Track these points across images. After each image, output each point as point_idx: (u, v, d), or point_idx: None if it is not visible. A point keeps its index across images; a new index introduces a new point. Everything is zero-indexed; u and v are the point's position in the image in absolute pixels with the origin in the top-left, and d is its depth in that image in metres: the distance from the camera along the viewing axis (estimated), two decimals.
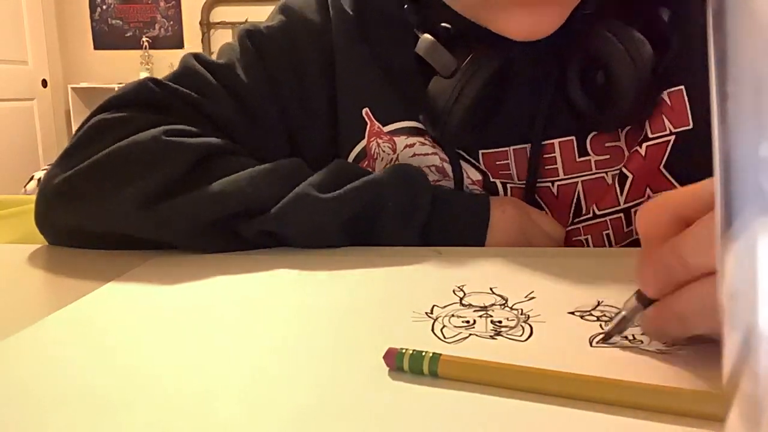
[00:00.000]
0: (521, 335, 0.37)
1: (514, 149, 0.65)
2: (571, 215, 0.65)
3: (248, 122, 0.68)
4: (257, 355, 0.36)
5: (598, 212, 0.64)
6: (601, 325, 0.38)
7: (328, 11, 0.70)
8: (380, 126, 0.68)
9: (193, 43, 5.30)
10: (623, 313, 0.36)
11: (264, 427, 0.28)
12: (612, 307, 0.41)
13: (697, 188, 0.34)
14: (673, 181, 0.62)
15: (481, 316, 0.40)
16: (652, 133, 0.62)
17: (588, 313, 0.40)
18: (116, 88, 3.11)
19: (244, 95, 0.68)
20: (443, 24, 0.64)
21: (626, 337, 0.36)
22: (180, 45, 5.35)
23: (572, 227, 0.65)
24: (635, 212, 0.63)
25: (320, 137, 0.70)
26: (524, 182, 0.65)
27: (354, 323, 0.40)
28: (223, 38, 5.26)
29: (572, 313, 0.40)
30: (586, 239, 0.65)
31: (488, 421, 0.28)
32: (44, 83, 5.04)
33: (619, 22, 0.60)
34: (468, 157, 0.66)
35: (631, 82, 0.58)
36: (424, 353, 0.32)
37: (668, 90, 0.62)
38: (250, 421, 0.29)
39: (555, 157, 0.65)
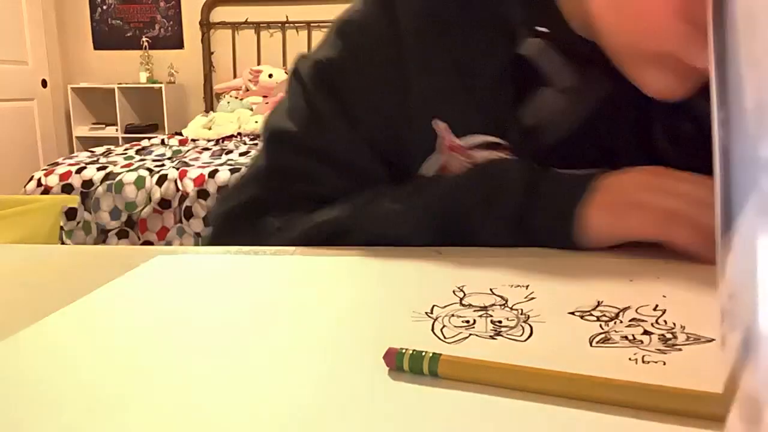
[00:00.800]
0: (521, 335, 0.37)
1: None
2: None
3: (352, 177, 0.65)
4: (257, 355, 0.36)
5: None
6: (600, 325, 0.38)
7: (394, 11, 0.65)
8: (458, 141, 0.62)
9: (193, 44, 5.30)
10: None
11: (264, 426, 0.28)
12: (612, 307, 0.41)
13: None
14: None
15: (481, 316, 0.40)
16: None
17: (588, 313, 0.40)
18: (116, 89, 3.12)
19: (338, 155, 0.65)
20: (545, 29, 0.60)
21: (626, 337, 0.36)
22: (180, 45, 5.35)
23: None
24: None
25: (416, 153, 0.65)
26: None
27: (354, 323, 0.40)
28: (222, 38, 5.27)
29: (572, 313, 0.40)
30: None
31: (488, 421, 0.28)
32: (44, 83, 5.04)
33: None
34: None
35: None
36: (424, 353, 0.32)
37: None
38: (250, 421, 0.29)
39: None
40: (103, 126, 5.22)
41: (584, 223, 0.53)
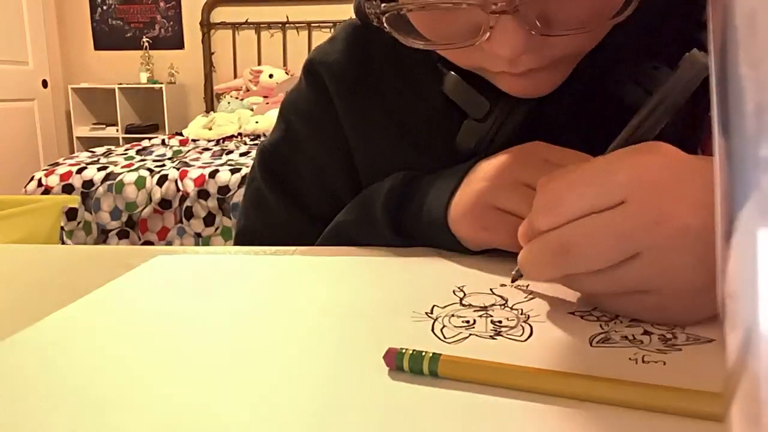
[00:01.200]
0: (521, 335, 0.37)
1: None
2: None
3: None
4: (257, 355, 0.36)
5: None
6: (600, 325, 0.38)
7: (323, 83, 0.70)
8: None
9: (193, 44, 5.30)
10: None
11: (265, 426, 0.28)
12: None
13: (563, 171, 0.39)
14: None
15: (481, 316, 0.40)
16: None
17: (588, 313, 0.40)
18: (116, 89, 3.13)
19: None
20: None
21: (626, 337, 0.36)
22: (180, 45, 5.35)
23: None
24: None
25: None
26: None
27: (354, 323, 0.40)
28: (223, 38, 5.27)
29: (572, 313, 0.40)
30: None
31: (488, 421, 0.28)
32: (44, 84, 5.05)
33: (646, 66, 0.57)
34: None
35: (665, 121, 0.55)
36: (424, 353, 0.32)
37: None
38: (250, 421, 0.29)
39: None
40: (104, 126, 5.22)
41: (451, 226, 0.55)
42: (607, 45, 0.55)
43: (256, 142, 3.89)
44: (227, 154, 3.44)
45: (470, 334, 0.37)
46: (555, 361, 0.34)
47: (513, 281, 0.45)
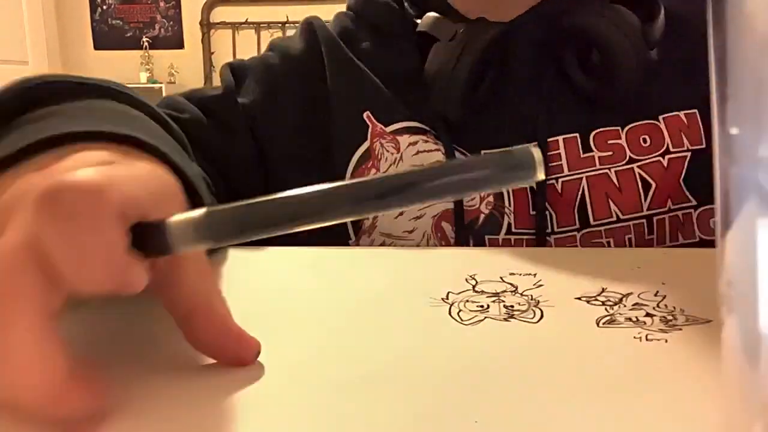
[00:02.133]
0: (533, 318, 0.40)
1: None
2: (575, 213, 0.65)
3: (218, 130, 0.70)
4: (278, 345, 0.38)
5: (622, 217, 0.64)
6: (606, 309, 0.41)
7: (315, 39, 0.74)
8: (383, 127, 0.69)
9: (193, 44, 5.33)
10: None
11: (279, 414, 0.31)
12: (615, 293, 0.44)
13: None
14: (689, 194, 0.65)
15: (494, 302, 0.43)
16: (673, 147, 0.65)
17: (593, 299, 0.43)
18: None
19: (215, 109, 0.71)
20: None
21: (630, 319, 0.39)
22: (180, 45, 5.38)
23: (593, 229, 0.65)
24: (657, 220, 0.65)
25: (296, 153, 0.72)
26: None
27: (373, 309, 0.43)
28: (223, 38, 5.30)
29: (579, 298, 0.43)
30: (608, 242, 0.65)
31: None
32: None
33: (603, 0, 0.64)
34: (470, 155, 0.67)
35: (621, 47, 0.62)
36: None
37: (684, 111, 0.66)
38: (258, 412, 0.31)
39: (559, 153, 0.65)
40: None
41: None
42: None
43: None
44: None
45: (485, 317, 0.40)
46: (566, 340, 0.37)
47: None
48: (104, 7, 5.35)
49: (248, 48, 5.24)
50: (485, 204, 0.65)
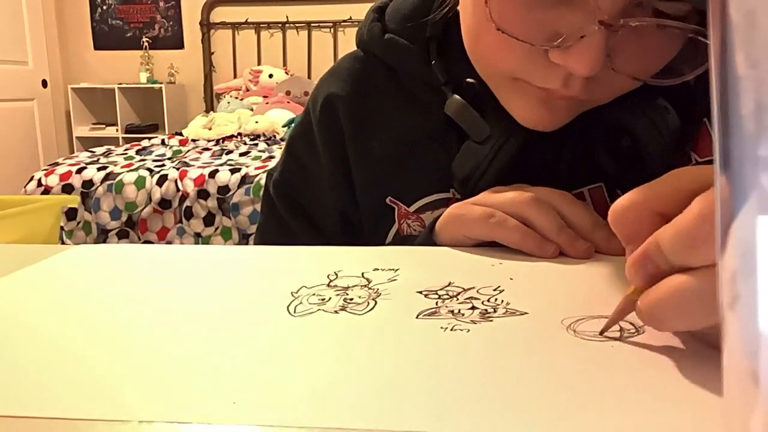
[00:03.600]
0: (363, 310, 0.42)
1: None
2: None
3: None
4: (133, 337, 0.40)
5: None
6: (436, 302, 0.43)
7: (335, 113, 0.73)
8: (406, 208, 0.69)
9: (192, 44, 5.36)
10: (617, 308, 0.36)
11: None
12: (458, 287, 0.46)
13: (673, 181, 0.34)
14: None
15: (337, 295, 0.45)
16: (700, 158, 0.64)
17: (433, 292, 0.45)
18: (116, 89, 3.18)
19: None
20: (469, 80, 0.65)
21: (452, 311, 0.41)
22: (180, 45, 5.41)
23: None
24: None
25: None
26: None
27: (221, 305, 0.45)
28: (222, 38, 5.33)
29: (420, 292, 0.45)
30: None
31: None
32: (44, 83, 5.11)
33: (644, 94, 0.59)
34: None
35: (657, 148, 0.59)
36: None
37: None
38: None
39: (587, 203, 0.64)
40: (104, 126, 5.28)
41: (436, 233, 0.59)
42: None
43: (255, 141, 3.91)
44: (227, 154, 3.46)
45: (319, 309, 0.42)
46: (380, 329, 0.39)
47: (602, 333, 0.37)
48: (104, 8, 5.39)
49: (248, 48, 5.27)
50: None
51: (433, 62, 0.68)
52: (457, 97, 0.64)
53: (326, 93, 0.75)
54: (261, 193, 2.54)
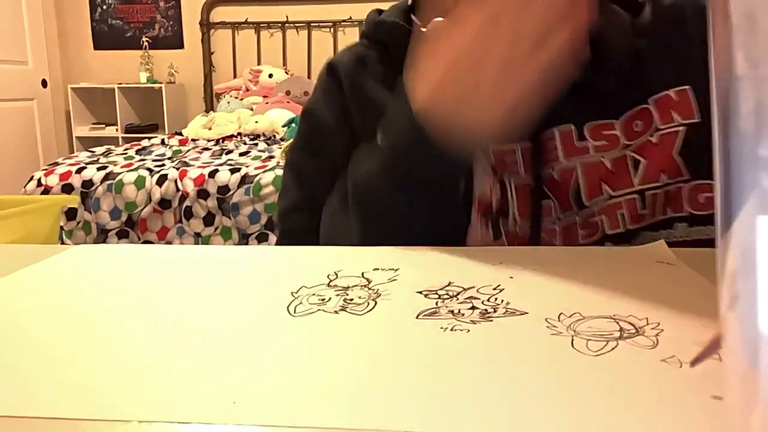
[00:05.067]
0: (363, 310, 0.42)
1: (521, 146, 0.69)
2: (571, 195, 0.68)
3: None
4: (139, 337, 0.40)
5: (613, 194, 0.67)
6: (436, 302, 0.43)
7: (335, 74, 0.82)
8: None
9: (193, 43, 5.36)
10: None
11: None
12: (458, 287, 0.46)
13: None
14: (683, 168, 0.66)
15: (337, 295, 0.45)
16: (662, 124, 0.67)
17: (433, 292, 0.45)
18: (116, 89, 3.17)
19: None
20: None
21: (452, 311, 0.41)
22: (180, 45, 5.40)
23: (588, 210, 0.68)
24: (651, 195, 0.67)
25: None
26: (530, 173, 0.69)
27: (222, 304, 0.45)
28: (222, 38, 5.32)
29: (420, 292, 0.45)
30: (602, 220, 0.67)
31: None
32: (44, 83, 5.10)
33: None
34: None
35: (612, 41, 0.65)
36: None
37: (675, 89, 0.68)
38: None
39: (555, 144, 0.69)
40: (103, 126, 5.27)
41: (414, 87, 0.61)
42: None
43: (255, 141, 3.91)
44: (227, 153, 3.46)
45: (319, 310, 0.42)
46: (380, 330, 0.39)
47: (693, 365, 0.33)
48: (104, 7, 5.39)
49: (248, 48, 5.27)
50: (495, 201, 0.69)
51: (412, 15, 0.76)
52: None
53: (328, 61, 0.85)
54: (261, 192, 2.55)
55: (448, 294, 0.44)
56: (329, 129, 0.82)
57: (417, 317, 0.40)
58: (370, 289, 0.46)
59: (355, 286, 0.47)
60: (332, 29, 5.16)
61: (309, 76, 5.09)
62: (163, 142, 3.99)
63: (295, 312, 0.42)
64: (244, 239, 2.76)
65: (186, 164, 3.05)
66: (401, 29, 0.77)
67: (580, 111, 0.69)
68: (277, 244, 0.85)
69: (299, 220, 0.83)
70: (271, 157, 3.20)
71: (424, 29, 0.68)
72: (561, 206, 0.68)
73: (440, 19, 0.67)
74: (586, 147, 0.68)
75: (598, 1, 0.64)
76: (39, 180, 2.94)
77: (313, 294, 0.45)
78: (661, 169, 0.67)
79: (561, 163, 0.68)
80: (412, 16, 0.78)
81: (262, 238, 2.75)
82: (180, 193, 2.81)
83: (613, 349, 0.35)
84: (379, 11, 0.84)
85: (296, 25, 5.21)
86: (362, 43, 0.84)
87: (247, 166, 2.89)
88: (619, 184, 0.67)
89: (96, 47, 5.46)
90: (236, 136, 4.09)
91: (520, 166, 0.69)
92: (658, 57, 0.69)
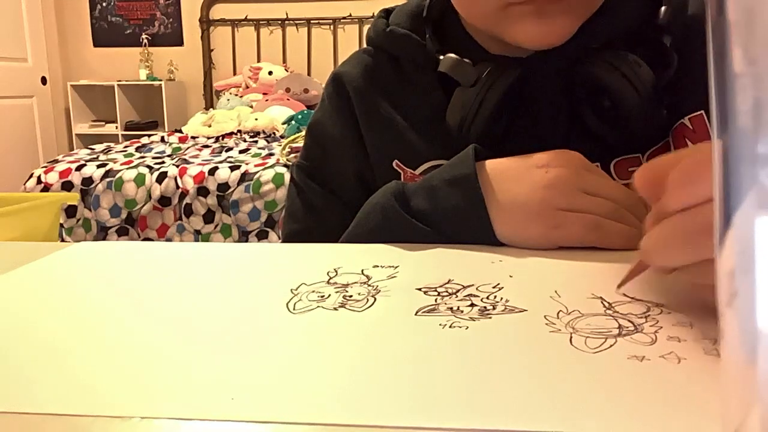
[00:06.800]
0: (362, 307, 0.42)
1: None
2: None
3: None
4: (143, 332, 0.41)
5: None
6: (435, 299, 0.43)
7: (344, 88, 0.79)
8: (412, 172, 0.73)
9: (192, 41, 5.35)
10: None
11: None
12: (458, 284, 0.46)
13: (694, 152, 0.38)
14: None
15: (337, 292, 0.45)
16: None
17: (433, 289, 0.45)
18: (115, 86, 3.19)
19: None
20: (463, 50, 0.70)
21: (451, 308, 0.41)
22: (179, 42, 5.40)
23: None
24: None
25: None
26: None
27: (219, 301, 0.45)
28: (222, 35, 5.32)
29: (419, 289, 0.45)
30: None
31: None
32: (44, 81, 5.10)
33: (618, 51, 0.65)
34: None
35: (633, 101, 0.63)
36: None
37: (689, 116, 0.67)
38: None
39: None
40: (103, 123, 5.27)
41: (513, 229, 0.57)
42: (594, 33, 0.66)
43: (255, 139, 3.90)
44: (227, 151, 3.46)
45: (318, 306, 0.42)
46: (374, 327, 0.39)
47: (619, 287, 0.44)
48: (104, 4, 5.38)
49: (248, 45, 5.27)
50: None
51: (428, 36, 0.73)
52: (451, 54, 0.69)
53: (335, 72, 0.82)
54: (261, 190, 2.55)
55: (447, 291, 0.44)
56: (336, 143, 0.80)
57: (416, 314, 0.40)
58: (369, 286, 0.46)
59: (355, 283, 0.47)
60: (332, 26, 5.16)
61: (309, 74, 5.09)
62: (162, 139, 3.99)
63: (294, 309, 0.42)
64: (243, 236, 2.76)
65: (186, 161, 3.05)
66: (416, 46, 0.75)
67: (607, 149, 0.69)
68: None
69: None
70: (271, 154, 3.20)
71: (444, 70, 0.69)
72: None
73: (453, 57, 0.69)
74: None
75: (617, 51, 0.65)
76: (39, 177, 2.94)
77: (313, 291, 0.45)
78: None
79: None
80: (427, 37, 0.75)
81: (261, 236, 2.75)
82: (180, 190, 2.81)
83: (611, 346, 0.35)
84: (387, 12, 0.81)
85: (296, 22, 5.21)
86: (368, 51, 0.81)
87: (246, 164, 2.89)
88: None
89: (96, 44, 5.46)
90: (236, 134, 4.08)
91: None
92: (680, 90, 0.68)
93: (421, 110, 0.74)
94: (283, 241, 0.82)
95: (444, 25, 0.75)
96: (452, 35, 0.73)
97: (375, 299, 0.43)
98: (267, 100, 4.53)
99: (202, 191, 2.80)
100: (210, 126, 4.19)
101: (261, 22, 5.26)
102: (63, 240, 2.82)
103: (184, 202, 2.80)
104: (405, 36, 0.75)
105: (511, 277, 0.47)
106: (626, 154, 0.69)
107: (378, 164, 0.76)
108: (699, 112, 0.67)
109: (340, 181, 0.79)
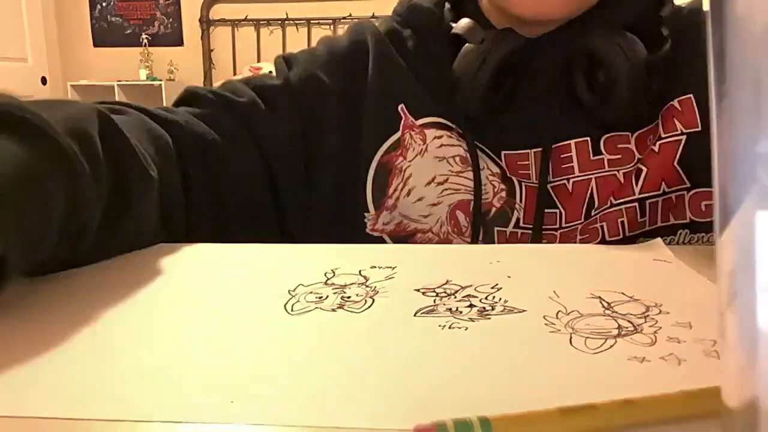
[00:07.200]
0: (361, 308, 0.42)
1: (534, 152, 0.72)
2: (584, 208, 0.70)
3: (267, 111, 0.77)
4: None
5: (614, 201, 0.69)
6: (434, 300, 0.43)
7: (364, 37, 0.81)
8: (413, 120, 0.75)
9: (192, 41, 5.36)
10: None
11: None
12: (456, 285, 0.46)
13: None
14: (684, 176, 0.69)
15: (335, 293, 0.45)
16: (665, 133, 0.69)
17: (431, 290, 0.45)
18: (115, 86, 3.18)
19: (267, 95, 0.78)
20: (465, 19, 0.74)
21: (450, 309, 0.41)
22: (179, 42, 5.41)
23: (590, 218, 0.70)
24: (650, 203, 0.69)
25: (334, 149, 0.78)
26: (538, 181, 0.71)
27: (216, 303, 0.45)
28: (222, 35, 5.33)
29: (418, 290, 0.45)
30: (602, 226, 0.69)
31: None
32: (44, 81, 5.11)
33: (618, 29, 0.68)
34: (490, 153, 0.73)
35: (622, 68, 0.66)
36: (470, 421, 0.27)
37: (678, 98, 0.70)
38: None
39: (571, 156, 0.71)
40: None
41: None
42: (594, 17, 0.70)
43: None
44: None
45: (316, 308, 0.42)
46: (372, 328, 0.38)
47: None
48: (104, 4, 5.39)
49: (248, 45, 5.27)
50: (497, 198, 0.71)
51: (446, 9, 0.78)
52: (466, 18, 0.74)
53: (358, 23, 0.85)
54: None
55: (446, 292, 0.44)
56: (322, 89, 0.79)
57: (415, 315, 0.40)
58: (367, 286, 0.46)
59: (353, 284, 0.47)
60: (332, 26, 5.16)
61: None
62: None
63: (292, 310, 0.42)
64: None
65: None
66: (435, 18, 0.78)
67: (598, 125, 0.71)
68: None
69: (186, 116, 0.73)
70: None
71: (457, 31, 0.73)
72: (568, 216, 0.70)
73: (468, 20, 0.73)
74: (601, 161, 0.71)
75: (619, 29, 0.68)
76: None
77: (311, 292, 0.45)
78: (662, 177, 0.69)
79: (575, 175, 0.71)
80: (446, 7, 0.78)
81: None
82: None
83: (611, 346, 0.35)
84: None
85: (296, 22, 5.22)
86: (395, 19, 0.84)
87: None
88: (622, 193, 0.69)
89: (96, 44, 5.47)
90: None
91: (532, 172, 0.72)
92: (673, 74, 0.70)
93: (431, 71, 0.76)
94: (188, 91, 0.79)
95: (462, 4, 0.78)
96: (468, 14, 0.76)
97: (373, 300, 0.43)
98: None
99: None
100: None
101: (261, 22, 5.27)
102: None
103: None
104: (427, 9, 0.79)
105: (509, 277, 0.47)
106: (612, 124, 0.71)
107: (378, 105, 0.77)
108: (688, 95, 0.69)
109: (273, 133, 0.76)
